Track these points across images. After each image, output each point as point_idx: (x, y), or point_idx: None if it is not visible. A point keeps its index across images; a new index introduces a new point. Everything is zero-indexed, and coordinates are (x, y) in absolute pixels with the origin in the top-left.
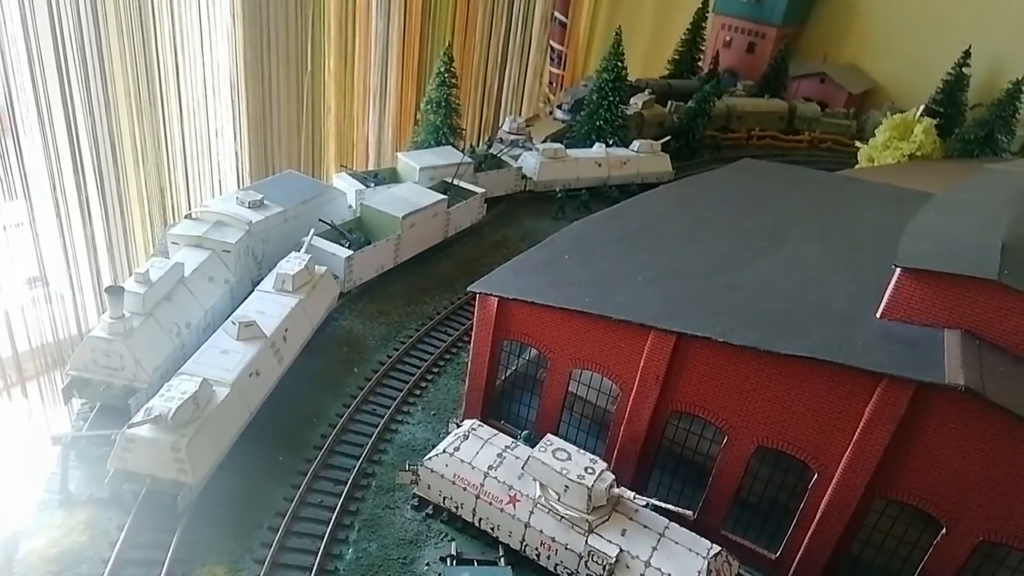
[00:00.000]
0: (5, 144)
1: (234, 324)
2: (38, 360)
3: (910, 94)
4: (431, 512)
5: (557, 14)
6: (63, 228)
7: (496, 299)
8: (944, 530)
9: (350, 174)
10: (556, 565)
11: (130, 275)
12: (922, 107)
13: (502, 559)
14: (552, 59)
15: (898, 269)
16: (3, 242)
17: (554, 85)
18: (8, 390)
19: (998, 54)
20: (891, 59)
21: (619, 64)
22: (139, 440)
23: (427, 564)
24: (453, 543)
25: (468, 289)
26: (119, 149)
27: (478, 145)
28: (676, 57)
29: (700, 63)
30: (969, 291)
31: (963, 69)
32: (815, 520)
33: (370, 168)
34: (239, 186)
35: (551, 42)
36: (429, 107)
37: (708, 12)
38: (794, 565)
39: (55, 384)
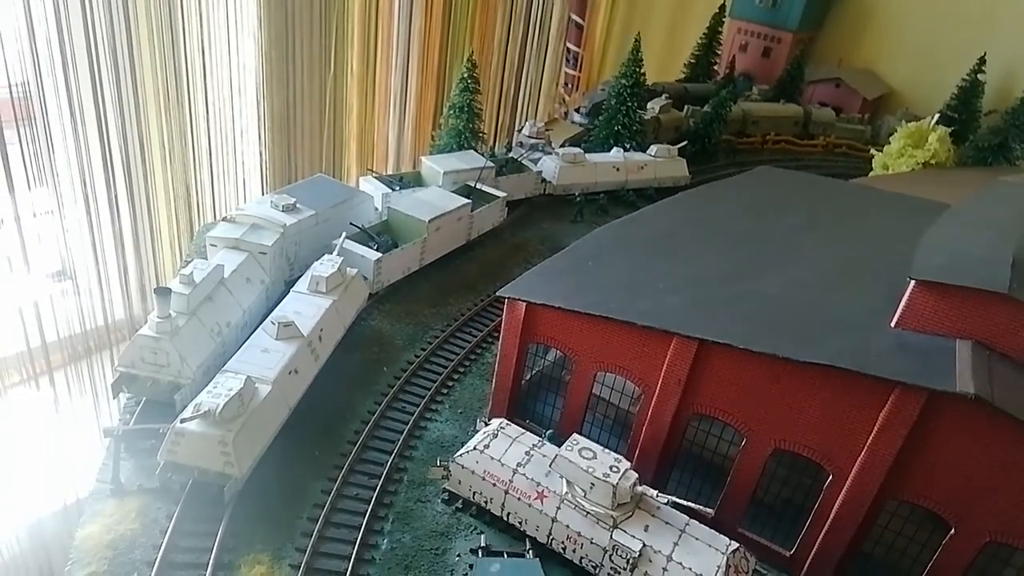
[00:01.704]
0: (36, 132)
1: (273, 324)
2: (65, 351)
3: (925, 99)
4: (461, 506)
5: (573, 16)
6: (92, 224)
7: (524, 304)
8: (953, 531)
9: (376, 177)
10: (581, 558)
11: (155, 270)
12: (936, 116)
13: (530, 552)
14: (568, 60)
15: (912, 282)
16: (34, 233)
17: (570, 86)
18: (36, 379)
19: (1013, 61)
20: (906, 64)
21: (637, 70)
22: (188, 434)
23: (458, 555)
24: (482, 536)
25: (498, 294)
26: (147, 147)
27: (496, 148)
28: (692, 60)
29: (716, 67)
30: (980, 303)
31: (978, 76)
32: (829, 519)
33: (391, 169)
34: (263, 184)
35: (567, 44)
36: (452, 112)
37: (724, 16)
38: (808, 562)
39: (80, 374)
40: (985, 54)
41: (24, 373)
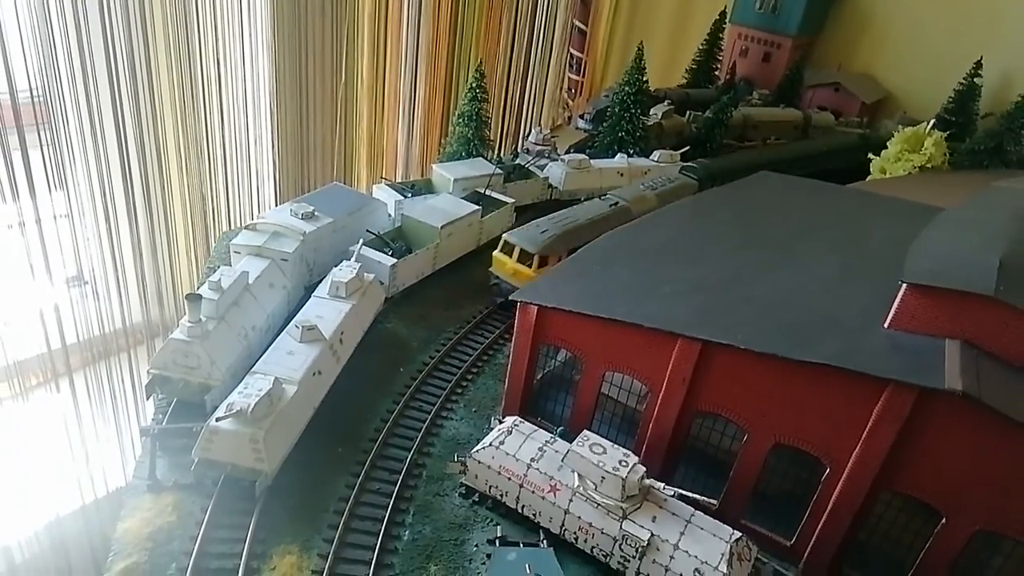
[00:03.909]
0: (58, 138)
1: (297, 328)
2: (84, 353)
3: (923, 103)
4: (477, 499)
5: (576, 22)
6: (111, 230)
7: (536, 307)
8: (944, 520)
9: (389, 185)
10: (592, 548)
11: (172, 275)
12: (933, 121)
13: (544, 542)
14: (571, 65)
15: (904, 285)
16: (55, 238)
17: (573, 91)
18: (56, 380)
19: (1010, 65)
20: (904, 68)
21: (640, 77)
22: (222, 432)
23: (476, 545)
24: (498, 527)
25: (511, 298)
26: (164, 156)
27: (503, 154)
28: (694, 66)
29: (717, 72)
30: (968, 305)
31: (975, 79)
32: (827, 510)
33: (400, 176)
34: (276, 191)
35: (571, 49)
36: (461, 120)
37: (725, 22)
38: (807, 551)
39: (99, 376)
40: (982, 58)
41: (44, 375)
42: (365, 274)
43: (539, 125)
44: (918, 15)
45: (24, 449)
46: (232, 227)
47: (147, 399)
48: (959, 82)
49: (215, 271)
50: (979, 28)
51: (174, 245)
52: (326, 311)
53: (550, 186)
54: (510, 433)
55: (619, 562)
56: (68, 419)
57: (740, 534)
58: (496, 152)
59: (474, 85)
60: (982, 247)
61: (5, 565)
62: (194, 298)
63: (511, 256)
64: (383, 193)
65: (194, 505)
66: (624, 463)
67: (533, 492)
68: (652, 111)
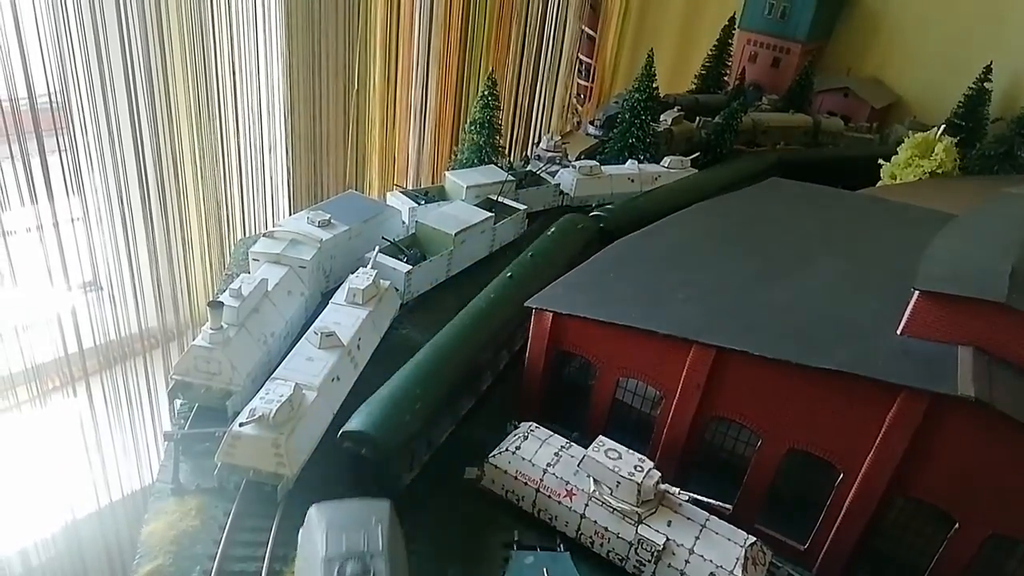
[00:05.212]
0: (76, 147)
1: (316, 334)
2: (100, 357)
3: (932, 108)
4: (494, 504)
5: (586, 28)
6: (128, 237)
7: (551, 314)
8: (957, 525)
9: (402, 192)
10: (608, 552)
11: (187, 282)
12: (943, 127)
13: (560, 546)
14: (580, 72)
15: (916, 291)
16: (72, 244)
17: (582, 96)
18: (73, 384)
19: (1019, 70)
20: (914, 73)
21: (650, 84)
22: (244, 437)
23: (493, 549)
24: (515, 531)
25: (525, 304)
26: (180, 164)
27: (513, 161)
28: (703, 72)
29: (726, 78)
30: (980, 312)
31: (985, 84)
32: (840, 516)
33: (411, 183)
34: (290, 198)
35: (579, 55)
36: (473, 128)
37: (734, 28)
38: (820, 556)
39: (115, 380)
40: (991, 62)
41: (61, 379)
42: (381, 281)
43: (549, 132)
44: (927, 19)
45: (42, 452)
46: (247, 233)
47: (170, 404)
48: (969, 87)
49: (234, 278)
50: (988, 32)
51: (189, 250)
52: (343, 318)
53: (561, 192)
54: (526, 438)
55: (635, 566)
56: (85, 423)
57: (754, 539)
58: (508, 159)
59: (486, 93)
60: (994, 254)
61: (22, 567)
62: (216, 305)
63: None
64: (396, 200)
65: (217, 509)
66: (639, 468)
67: (549, 497)
68: (662, 117)
